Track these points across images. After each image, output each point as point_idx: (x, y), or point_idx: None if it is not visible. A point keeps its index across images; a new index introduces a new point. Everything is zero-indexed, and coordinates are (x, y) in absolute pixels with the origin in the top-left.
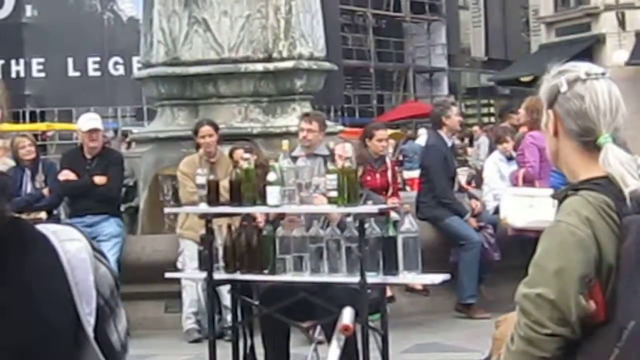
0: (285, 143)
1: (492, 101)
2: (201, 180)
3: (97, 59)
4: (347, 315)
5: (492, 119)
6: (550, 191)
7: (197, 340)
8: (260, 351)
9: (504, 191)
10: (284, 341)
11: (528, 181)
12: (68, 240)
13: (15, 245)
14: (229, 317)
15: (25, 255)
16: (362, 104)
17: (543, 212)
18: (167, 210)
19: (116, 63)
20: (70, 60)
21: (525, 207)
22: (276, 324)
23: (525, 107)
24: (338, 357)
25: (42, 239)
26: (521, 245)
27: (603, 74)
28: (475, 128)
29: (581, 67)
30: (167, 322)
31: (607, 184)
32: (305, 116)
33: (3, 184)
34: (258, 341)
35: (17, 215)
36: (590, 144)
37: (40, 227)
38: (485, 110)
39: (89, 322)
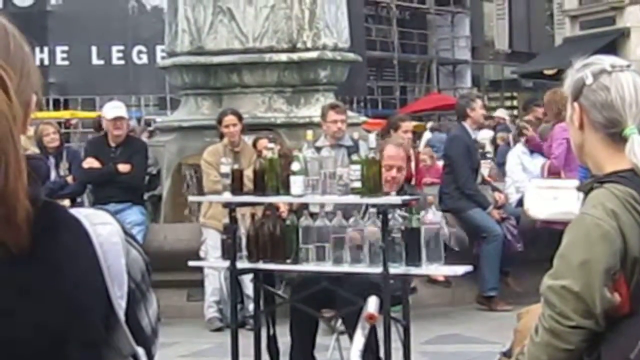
0: (309, 133)
1: (515, 94)
2: (225, 169)
3: (121, 47)
4: (372, 304)
5: (515, 112)
6: (575, 182)
7: (218, 329)
8: (282, 340)
9: (528, 183)
10: (311, 332)
11: (553, 173)
12: (100, 224)
13: (48, 228)
14: (250, 306)
15: (57, 238)
16: (385, 96)
17: (567, 204)
18: (190, 198)
19: (140, 52)
20: (94, 49)
21: (549, 199)
22: (305, 315)
23: (546, 102)
24: (363, 345)
25: (74, 223)
26: (544, 237)
27: (628, 66)
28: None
29: (606, 60)
30: (189, 311)
31: (632, 177)
32: (335, 107)
33: (37, 167)
34: (280, 330)
35: (49, 199)
36: (616, 136)
37: (73, 211)
38: (508, 103)
39: (120, 305)
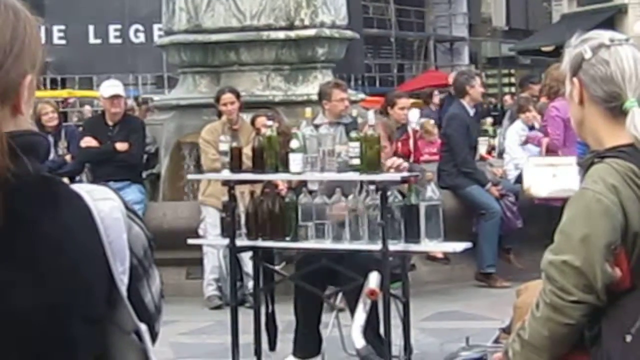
0: (308, 111)
1: (512, 71)
2: (224, 147)
3: (118, 26)
4: (373, 280)
5: (513, 89)
6: (573, 159)
7: (217, 307)
8: (281, 318)
9: (527, 161)
10: (317, 310)
11: (551, 151)
12: (102, 200)
13: (49, 203)
14: (250, 284)
15: (58, 213)
16: (383, 73)
17: (566, 181)
18: (189, 176)
19: (137, 31)
20: (91, 28)
21: (549, 177)
22: (310, 292)
23: (546, 76)
24: (364, 321)
25: (76, 198)
26: (544, 213)
27: (627, 40)
28: (507, 98)
29: (604, 34)
30: (188, 289)
31: (633, 152)
32: (340, 85)
33: (36, 143)
34: (279, 308)
35: (51, 175)
36: (616, 110)
37: (75, 187)
38: (506, 80)
39: (122, 281)
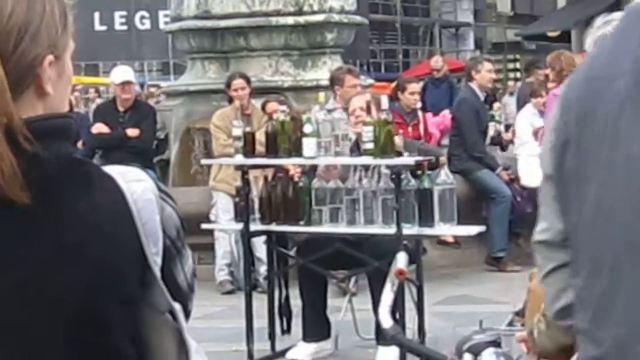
0: (321, 95)
1: (518, 56)
2: (237, 132)
3: (124, 13)
4: (401, 260)
5: (518, 75)
6: None
7: (230, 292)
8: (295, 302)
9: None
10: (322, 292)
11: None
12: (134, 181)
13: (82, 185)
14: (261, 269)
15: (91, 195)
16: (388, 59)
17: None
18: (203, 161)
19: (142, 17)
20: (96, 15)
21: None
22: (314, 275)
23: (549, 62)
24: (392, 301)
25: (108, 180)
26: None
27: None
28: (510, 83)
29: None
30: (199, 274)
31: None
32: (352, 72)
33: (64, 125)
34: (293, 292)
35: (83, 158)
36: None
37: (107, 169)
38: (511, 65)
39: (155, 262)
